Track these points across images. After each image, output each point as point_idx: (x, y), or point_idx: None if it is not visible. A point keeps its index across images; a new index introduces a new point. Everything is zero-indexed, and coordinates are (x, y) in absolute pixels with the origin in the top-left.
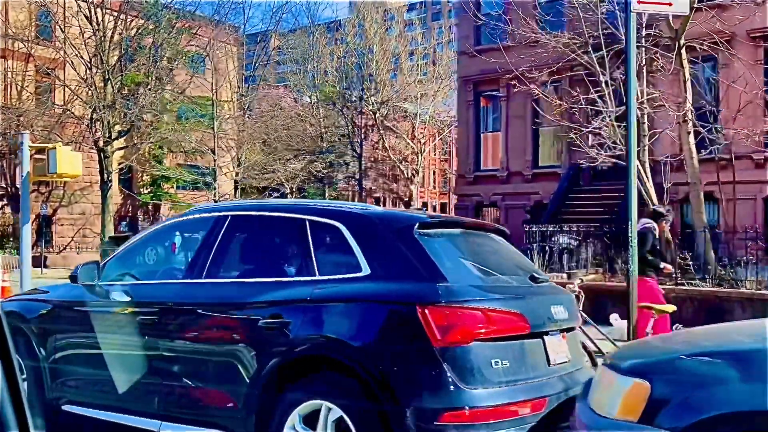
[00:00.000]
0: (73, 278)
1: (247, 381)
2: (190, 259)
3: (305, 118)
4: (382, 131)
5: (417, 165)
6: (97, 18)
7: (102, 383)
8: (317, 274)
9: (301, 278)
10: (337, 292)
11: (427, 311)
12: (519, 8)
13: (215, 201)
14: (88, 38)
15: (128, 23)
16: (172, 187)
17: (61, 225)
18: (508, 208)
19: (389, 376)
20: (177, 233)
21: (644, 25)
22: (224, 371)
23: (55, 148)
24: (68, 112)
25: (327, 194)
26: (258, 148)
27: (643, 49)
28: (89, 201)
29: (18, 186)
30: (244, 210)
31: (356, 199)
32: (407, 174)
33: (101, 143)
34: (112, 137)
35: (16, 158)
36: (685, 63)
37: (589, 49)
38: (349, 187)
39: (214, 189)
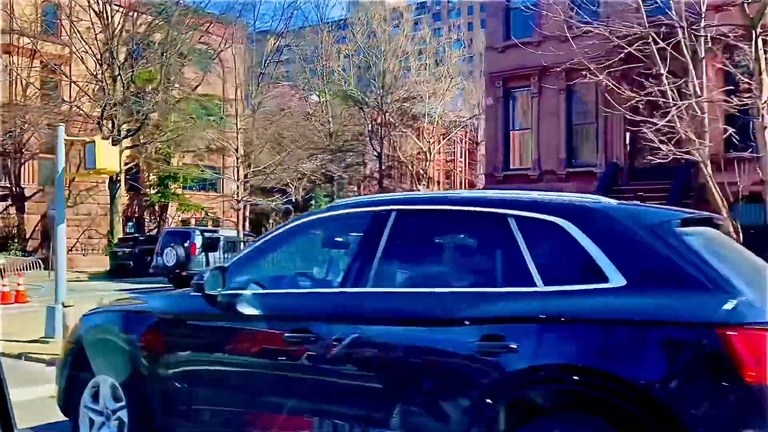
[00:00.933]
0: (199, 287)
1: (454, 422)
2: (347, 264)
3: (318, 117)
4: (392, 131)
5: (426, 165)
6: (106, 14)
7: (234, 415)
8: (540, 284)
9: (519, 289)
10: (582, 307)
11: (732, 335)
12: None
13: (237, 201)
14: (99, 33)
15: (136, 20)
16: (179, 187)
17: (66, 226)
18: None
19: (683, 423)
20: (198, 233)
21: (703, 16)
22: (418, 409)
23: (93, 141)
24: (77, 109)
25: (336, 195)
26: (269, 147)
27: (702, 39)
28: (95, 201)
29: (23, 186)
30: (414, 204)
31: None
32: (415, 174)
33: (110, 142)
34: (121, 136)
35: (22, 157)
36: (761, 53)
37: (650, 41)
38: (354, 189)
39: (236, 189)
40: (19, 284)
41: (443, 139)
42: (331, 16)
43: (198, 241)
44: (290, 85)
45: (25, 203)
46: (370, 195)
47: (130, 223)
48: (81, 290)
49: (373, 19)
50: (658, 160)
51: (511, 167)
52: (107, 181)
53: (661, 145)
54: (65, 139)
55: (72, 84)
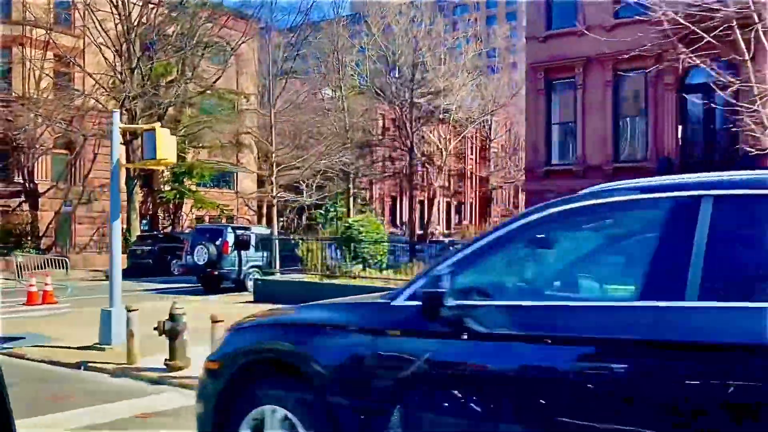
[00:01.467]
0: (433, 297)
1: None
2: (647, 269)
3: (338, 112)
4: (422, 126)
5: (443, 160)
6: (124, 4)
7: None
8: None
9: None
10: None
11: None
12: None
13: (272, 197)
14: (117, 24)
15: (153, 11)
16: (193, 183)
17: (80, 224)
18: None
19: None
20: (230, 230)
21: None
22: None
23: (153, 129)
24: (95, 102)
25: (352, 192)
26: (296, 142)
27: None
28: (109, 198)
29: (36, 182)
30: (742, 187)
31: (405, 196)
32: (437, 169)
33: (128, 136)
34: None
35: (35, 152)
36: None
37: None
38: (365, 186)
39: (271, 185)
40: (46, 284)
41: (458, 135)
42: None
43: (230, 238)
44: (302, 79)
45: (39, 200)
46: (653, 178)
47: (144, 221)
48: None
49: (389, 13)
50: (757, 152)
51: (553, 162)
52: (124, 177)
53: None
54: (120, 128)
55: (87, 76)
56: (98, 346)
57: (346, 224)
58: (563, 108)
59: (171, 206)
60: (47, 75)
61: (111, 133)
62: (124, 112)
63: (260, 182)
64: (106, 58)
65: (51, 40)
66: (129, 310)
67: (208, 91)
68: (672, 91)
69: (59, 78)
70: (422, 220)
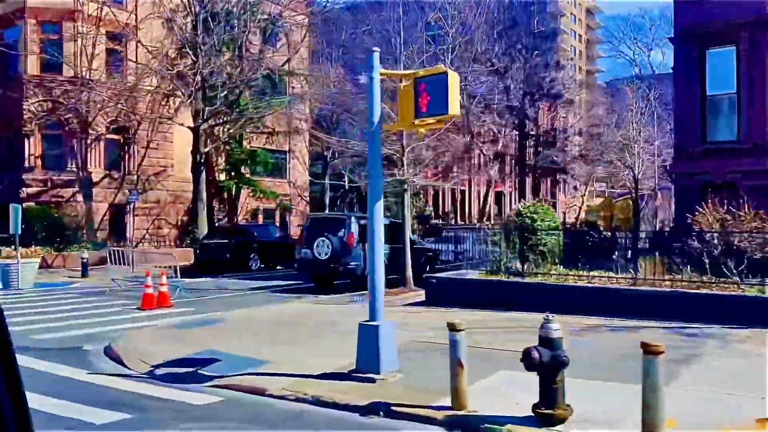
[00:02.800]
0: None
1: None
2: None
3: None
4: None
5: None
6: None
7: None
8: None
9: None
10: None
11: None
12: None
13: (402, 182)
14: None
15: None
16: (247, 172)
17: (135, 215)
18: (755, 190)
19: None
20: (354, 219)
21: None
22: None
23: (444, 73)
24: (162, 80)
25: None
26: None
27: None
28: (164, 188)
29: (90, 170)
30: None
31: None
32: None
33: (199, 119)
34: (205, 115)
35: (87, 137)
36: None
37: None
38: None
39: (404, 170)
40: (161, 285)
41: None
42: None
43: (355, 229)
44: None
45: (93, 190)
46: None
47: None
48: (199, 288)
49: None
50: None
51: (709, 140)
52: (190, 164)
53: None
54: (382, 73)
55: (140, 57)
56: (360, 375)
57: (516, 211)
58: (721, 79)
59: (226, 196)
60: (104, 46)
61: (371, 79)
62: (197, 89)
63: (313, 174)
64: (175, 30)
65: (111, 12)
66: (454, 330)
67: (271, 74)
68: None
69: (112, 57)
70: (462, 210)
